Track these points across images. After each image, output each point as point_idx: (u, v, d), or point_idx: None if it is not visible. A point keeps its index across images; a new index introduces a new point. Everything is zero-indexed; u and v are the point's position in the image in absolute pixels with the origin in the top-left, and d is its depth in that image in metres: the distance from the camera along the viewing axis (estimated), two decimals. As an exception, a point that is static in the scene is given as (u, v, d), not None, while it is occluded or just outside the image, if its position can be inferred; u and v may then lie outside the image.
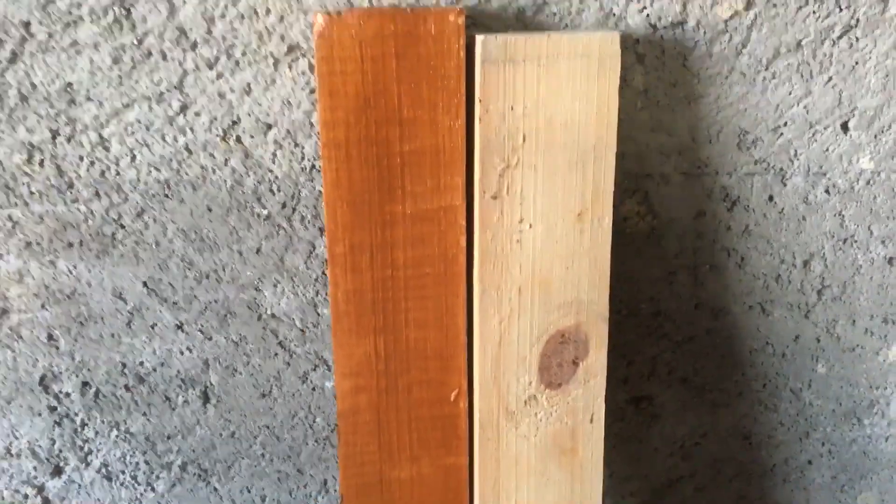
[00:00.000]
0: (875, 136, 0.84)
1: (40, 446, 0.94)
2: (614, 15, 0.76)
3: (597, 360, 0.79)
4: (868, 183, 0.86)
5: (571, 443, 0.81)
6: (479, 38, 0.69)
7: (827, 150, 0.84)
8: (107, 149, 0.79)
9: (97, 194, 0.81)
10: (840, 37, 0.79)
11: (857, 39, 0.79)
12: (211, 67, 0.76)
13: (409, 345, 0.78)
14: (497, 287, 0.75)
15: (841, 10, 0.78)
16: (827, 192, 0.86)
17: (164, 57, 0.75)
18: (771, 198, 0.86)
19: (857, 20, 0.78)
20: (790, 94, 0.81)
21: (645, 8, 0.76)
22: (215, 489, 1.00)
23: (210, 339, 0.90)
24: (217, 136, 0.79)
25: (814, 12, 0.77)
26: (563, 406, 0.80)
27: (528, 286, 0.76)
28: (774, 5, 0.77)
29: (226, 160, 0.80)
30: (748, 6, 0.77)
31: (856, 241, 0.89)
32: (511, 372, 0.78)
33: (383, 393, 0.79)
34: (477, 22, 0.75)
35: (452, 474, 0.81)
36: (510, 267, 0.75)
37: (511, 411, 0.79)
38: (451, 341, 0.78)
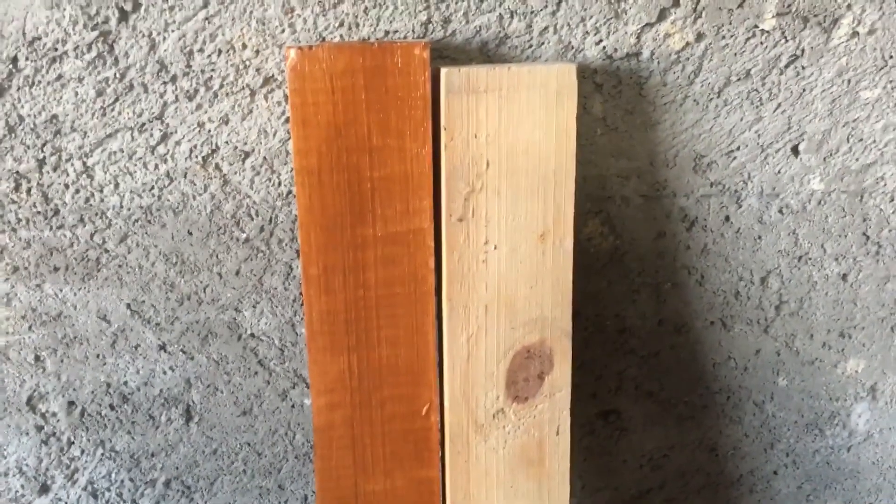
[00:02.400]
0: (824, 159, 0.88)
1: (27, 465, 0.97)
2: (572, 47, 0.80)
3: (561, 374, 0.83)
4: (819, 203, 0.90)
5: (539, 454, 0.84)
6: (443, 71, 0.74)
7: (779, 172, 0.88)
8: (91, 177, 0.82)
9: (82, 220, 0.84)
10: (787, 65, 0.84)
11: (804, 68, 0.84)
12: (190, 99, 0.80)
13: (382, 362, 0.81)
14: (464, 305, 0.79)
15: (787, 40, 0.82)
16: (780, 212, 0.90)
17: (146, 89, 0.79)
18: (727, 218, 0.90)
19: (803, 50, 0.83)
20: (742, 119, 0.85)
21: (602, 40, 0.81)
22: (198, 505, 1.02)
23: (192, 358, 0.93)
24: (197, 163, 0.83)
25: (761, 43, 0.82)
26: (530, 419, 0.83)
27: (494, 304, 0.79)
28: (724, 37, 0.81)
29: (205, 186, 0.84)
30: (699, 38, 0.81)
31: (810, 259, 0.93)
32: (479, 386, 0.81)
33: (357, 408, 0.82)
34: (443, 54, 0.80)
35: (425, 486, 0.85)
36: (476, 286, 0.79)
37: (480, 424, 0.82)
38: (421, 358, 0.81)
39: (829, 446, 1.06)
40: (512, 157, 0.76)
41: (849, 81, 0.85)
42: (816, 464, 1.07)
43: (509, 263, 0.79)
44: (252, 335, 0.92)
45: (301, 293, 0.90)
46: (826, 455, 1.06)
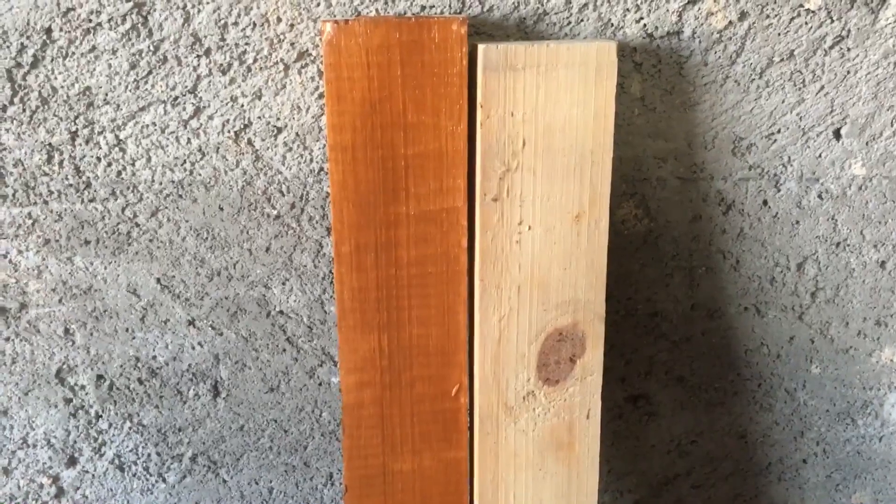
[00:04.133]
0: (867, 143, 0.86)
1: (56, 437, 0.97)
2: (612, 24, 0.79)
3: (593, 358, 0.82)
4: (860, 188, 0.88)
5: (568, 438, 0.83)
6: (480, 47, 0.72)
7: (819, 156, 0.87)
8: (123, 150, 0.82)
9: (113, 194, 0.84)
10: (832, 47, 0.81)
11: (849, 49, 0.82)
12: (224, 73, 0.79)
13: (412, 341, 0.80)
14: (497, 286, 0.78)
15: (832, 21, 0.80)
16: (820, 197, 0.89)
17: (179, 62, 0.78)
18: (765, 202, 0.89)
19: (849, 31, 0.81)
20: (783, 101, 0.84)
21: (642, 18, 0.79)
22: (224, 481, 1.03)
23: (220, 334, 0.93)
24: (229, 138, 0.82)
25: (806, 23, 0.80)
26: (561, 402, 0.82)
27: (526, 286, 0.79)
28: (767, 16, 0.79)
29: (237, 162, 0.83)
30: (742, 17, 0.80)
31: (848, 245, 0.91)
32: (510, 368, 0.81)
33: (387, 388, 0.81)
34: (479, 30, 0.78)
35: (453, 467, 0.84)
36: (510, 267, 0.78)
37: (510, 406, 0.82)
38: (452, 338, 0.80)
39: (861, 436, 1.04)
40: (548, 136, 0.75)
41: (895, 64, 0.82)
42: (847, 453, 1.05)
43: (543, 244, 0.78)
44: (281, 312, 0.92)
45: (331, 271, 0.90)
46: (857, 445, 1.05)
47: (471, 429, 0.84)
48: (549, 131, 0.75)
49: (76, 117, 0.80)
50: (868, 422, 1.03)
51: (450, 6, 0.77)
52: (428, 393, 0.82)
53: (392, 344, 0.80)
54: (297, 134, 0.82)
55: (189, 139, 0.82)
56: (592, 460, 0.84)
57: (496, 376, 0.81)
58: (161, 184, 0.84)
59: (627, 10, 0.78)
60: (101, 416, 0.97)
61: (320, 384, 0.97)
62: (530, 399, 0.82)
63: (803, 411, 1.02)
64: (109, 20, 0.76)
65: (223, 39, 0.78)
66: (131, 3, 0.75)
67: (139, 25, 0.76)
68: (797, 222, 0.90)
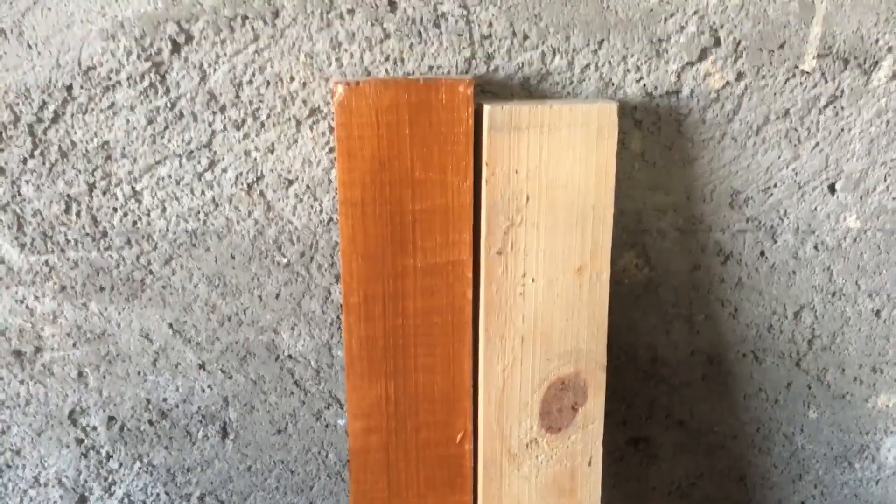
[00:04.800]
0: (861, 198, 0.89)
1: (67, 476, 0.99)
2: (613, 84, 0.82)
3: (595, 406, 0.84)
4: (855, 240, 0.91)
5: (570, 484, 0.85)
6: (486, 108, 0.75)
7: (815, 209, 0.89)
8: (139, 201, 0.85)
9: (129, 242, 0.87)
10: (826, 105, 0.84)
11: (843, 108, 0.84)
12: (238, 128, 0.82)
13: (418, 389, 0.82)
14: (501, 336, 0.80)
15: (826, 81, 0.83)
16: (816, 248, 0.91)
17: (195, 118, 0.81)
18: (762, 253, 0.91)
19: (842, 91, 0.83)
20: (779, 157, 0.86)
21: (642, 78, 0.82)
22: (231, 520, 1.04)
23: (230, 377, 0.95)
24: (242, 190, 0.85)
25: (801, 83, 0.83)
26: (563, 449, 0.84)
27: (530, 336, 0.81)
28: (763, 77, 0.82)
29: (249, 212, 0.86)
30: (739, 77, 0.82)
31: (844, 295, 0.93)
32: (514, 416, 0.83)
33: (393, 434, 0.83)
34: (485, 89, 0.81)
35: (457, 512, 0.86)
36: (513, 318, 0.80)
37: (513, 453, 0.84)
38: (457, 386, 0.83)
39: (858, 479, 1.06)
40: (551, 192, 0.77)
41: (888, 122, 0.85)
42: (844, 496, 1.07)
43: (546, 296, 0.80)
44: (289, 356, 0.94)
45: (338, 317, 0.92)
46: (854, 487, 1.06)
47: (475, 475, 0.86)
48: (552, 187, 0.77)
49: (94, 170, 0.83)
50: (865, 465, 1.05)
51: (456, 66, 0.80)
52: (433, 439, 0.84)
53: (398, 391, 0.82)
54: (307, 186, 0.85)
55: (203, 191, 0.85)
56: (594, 506, 0.86)
57: (500, 424, 0.83)
58: (175, 233, 0.86)
59: (628, 70, 0.81)
60: (111, 457, 0.99)
61: (327, 426, 0.99)
62: (533, 446, 0.84)
63: (801, 455, 1.04)
64: (128, 78, 0.79)
65: (238, 97, 0.80)
66: (150, 63, 0.78)
67: (157, 83, 0.79)
68: (794, 272, 0.92)
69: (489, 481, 0.84)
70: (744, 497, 1.06)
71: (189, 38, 0.78)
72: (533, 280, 0.79)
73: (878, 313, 0.95)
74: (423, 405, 0.83)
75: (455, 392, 0.83)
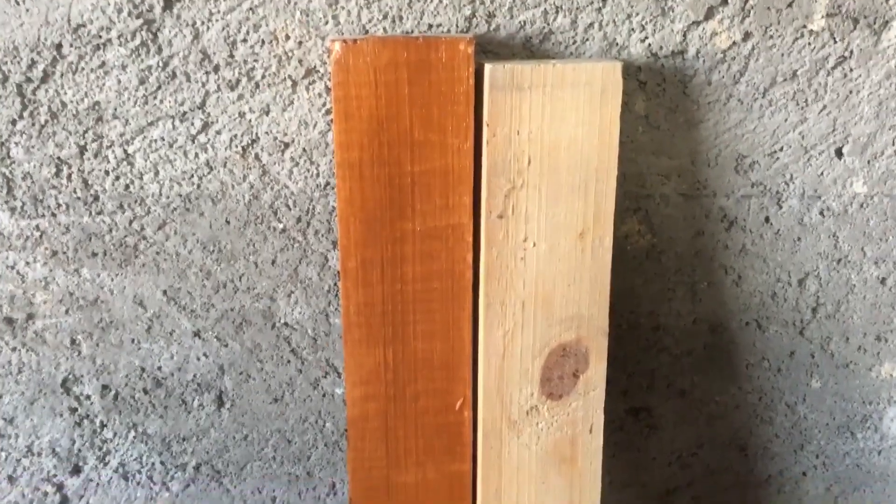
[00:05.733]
0: (868, 162, 0.87)
1: (60, 446, 0.98)
2: (617, 44, 0.80)
3: (596, 373, 0.82)
4: (861, 206, 0.89)
5: (571, 452, 0.84)
6: (487, 67, 0.73)
7: (821, 174, 0.87)
8: (131, 164, 0.83)
9: (121, 207, 0.85)
10: (834, 67, 0.82)
11: (851, 69, 0.82)
12: (232, 89, 0.80)
13: (417, 356, 0.81)
14: (502, 302, 0.79)
15: (835, 42, 0.81)
16: (821, 214, 0.89)
17: (188, 78, 0.79)
18: (767, 219, 0.89)
19: (851, 52, 0.81)
20: (786, 120, 0.84)
21: (647, 38, 0.80)
22: (228, 490, 1.03)
23: (226, 345, 0.93)
24: (237, 153, 0.83)
25: (809, 44, 0.81)
26: (564, 416, 0.83)
27: (531, 301, 0.79)
28: (771, 37, 0.80)
29: (244, 176, 0.84)
30: (746, 37, 0.80)
31: (849, 262, 0.92)
32: (514, 383, 0.81)
33: (391, 401, 0.82)
34: (486, 49, 0.79)
35: (456, 480, 0.85)
36: (514, 283, 0.79)
37: (513, 421, 0.82)
38: (457, 353, 0.81)
39: (860, 449, 1.05)
40: (554, 155, 0.75)
41: (897, 84, 0.83)
42: (846, 466, 1.06)
43: (548, 261, 0.78)
44: (286, 324, 0.93)
45: (335, 284, 0.91)
46: (856, 458, 1.06)
47: (474, 442, 0.84)
48: (555, 149, 0.75)
49: (85, 132, 0.81)
50: (867, 435, 1.04)
51: (457, 25, 0.78)
52: (432, 406, 0.83)
53: (397, 358, 0.81)
54: (303, 149, 0.83)
55: (197, 154, 0.83)
56: (595, 474, 0.85)
57: (500, 391, 0.81)
58: (168, 197, 0.85)
59: (632, 29, 0.79)
60: (105, 426, 0.97)
61: (324, 395, 0.97)
62: (534, 414, 0.83)
63: (803, 425, 1.03)
64: (119, 37, 0.77)
65: (232, 56, 0.78)
66: (141, 20, 0.76)
67: (149, 42, 0.77)
68: (799, 239, 0.91)
69: (489, 449, 0.83)
70: (745, 467, 1.06)
71: (181, -5, 0.76)
72: (534, 244, 0.78)
73: (883, 281, 0.94)
74: (422, 372, 0.82)
75: (455, 359, 0.81)
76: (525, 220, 0.77)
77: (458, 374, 0.82)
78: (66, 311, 0.90)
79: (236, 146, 0.83)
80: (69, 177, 0.83)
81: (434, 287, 0.79)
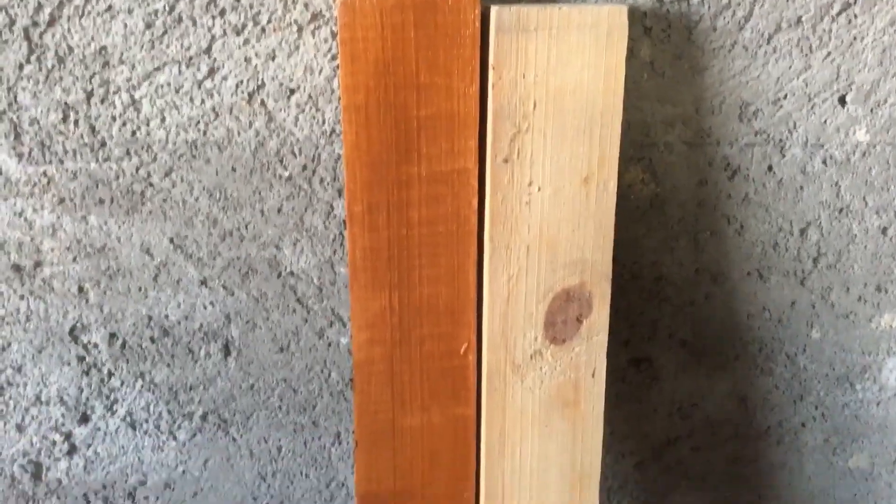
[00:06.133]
0: (871, 110, 0.87)
1: (69, 394, 0.99)
2: (623, -12, 0.80)
3: (599, 318, 0.83)
4: (864, 155, 0.90)
5: (574, 396, 0.85)
6: (493, 9, 0.73)
7: (825, 122, 0.88)
8: (138, 110, 0.83)
9: (128, 153, 0.85)
10: (839, 13, 0.82)
11: (856, 16, 0.83)
12: (238, 34, 0.80)
13: (422, 300, 0.82)
14: (506, 246, 0.80)
15: (841, -14, 0.81)
16: (824, 163, 0.90)
17: (194, 23, 0.79)
18: (770, 168, 0.90)
19: (856, -3, 0.82)
20: (790, 67, 0.85)
21: (652, -18, 0.80)
22: (234, 439, 1.04)
23: (232, 294, 0.94)
24: (242, 99, 0.83)
25: (814, -11, 0.81)
26: (567, 361, 0.84)
27: (535, 246, 0.80)
28: (777, -19, 0.80)
29: (250, 123, 0.84)
30: (751, -18, 0.81)
31: (851, 211, 0.93)
32: (518, 327, 0.82)
33: (397, 345, 0.83)
34: (492, -7, 0.79)
35: (461, 424, 0.86)
36: (519, 227, 0.79)
37: (517, 365, 0.83)
38: (461, 297, 0.82)
39: (859, 400, 1.06)
40: (559, 98, 0.76)
41: (901, 30, 0.84)
42: (845, 417, 1.07)
43: (552, 205, 0.79)
44: (291, 273, 0.93)
45: (341, 233, 0.91)
46: (855, 409, 1.07)
47: (479, 387, 0.86)
48: (560, 93, 0.76)
49: (91, 77, 0.81)
50: (866, 386, 1.05)
51: (463, -32, 0.78)
52: (437, 351, 0.84)
53: (402, 302, 0.82)
54: (309, 95, 0.83)
55: (203, 99, 0.83)
56: (597, 418, 0.86)
57: (504, 335, 0.82)
58: (175, 144, 0.85)
59: (638, -26, 0.79)
60: (113, 375, 0.98)
61: (329, 345, 0.98)
62: (537, 358, 0.84)
63: (803, 375, 1.04)
64: (126, -21, 0.77)
65: (238, 0, 0.78)
66: (148, -37, 0.76)
67: (155, -15, 0.77)
68: (801, 188, 0.91)
69: (493, 393, 0.84)
70: (744, 418, 1.07)
71: (187, -63, 0.76)
72: (539, 189, 0.78)
73: (884, 231, 0.94)
74: (428, 317, 0.83)
75: (459, 303, 0.82)
76: (530, 165, 0.77)
77: (462, 319, 0.83)
78: (74, 259, 0.91)
79: (242, 92, 0.83)
80: (76, 122, 0.83)
81: (439, 232, 0.80)
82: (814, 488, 1.13)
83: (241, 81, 0.82)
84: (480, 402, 0.85)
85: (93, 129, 0.84)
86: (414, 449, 0.86)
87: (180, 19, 0.79)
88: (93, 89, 0.82)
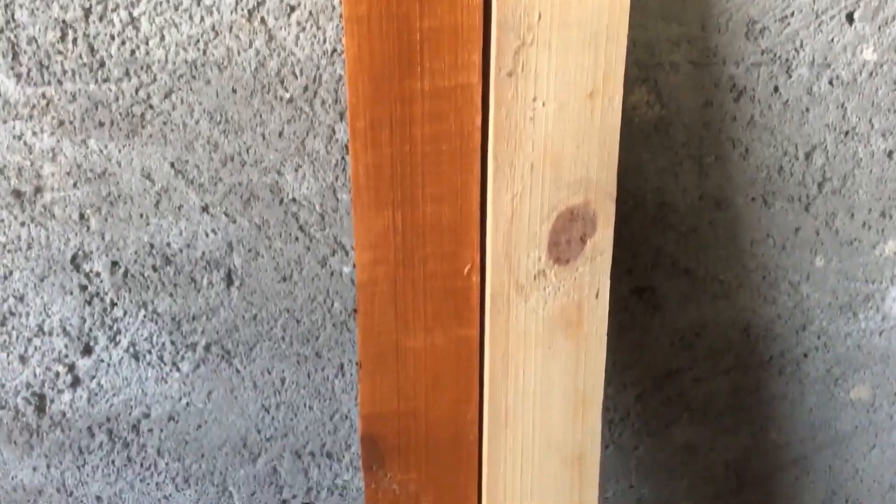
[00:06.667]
0: (879, 28, 0.86)
1: (71, 325, 0.99)
2: None
3: (603, 238, 0.83)
4: (871, 75, 0.89)
5: (577, 316, 0.85)
6: (497, -84, 0.72)
7: (832, 40, 0.87)
8: (137, 28, 0.82)
9: (127, 74, 0.84)
10: (848, -75, 0.81)
11: (865, -72, 0.82)
12: (238, -53, 0.79)
13: (426, 219, 0.81)
14: (510, 163, 0.79)
15: None
16: (831, 83, 0.89)
17: (193, -65, 0.78)
18: (776, 88, 0.89)
19: None
20: (798, -18, 0.84)
21: None
22: (237, 371, 1.05)
23: (234, 221, 0.94)
24: (242, 17, 0.82)
25: None
26: (571, 281, 0.84)
27: (540, 163, 0.79)
28: None
29: (250, 42, 0.83)
30: None
31: (857, 134, 0.92)
32: (522, 247, 0.82)
33: (400, 265, 0.83)
34: None
35: (464, 345, 0.86)
36: (523, 144, 0.79)
37: (521, 285, 0.83)
38: (465, 216, 0.82)
39: (861, 330, 1.06)
40: (564, 9, 0.75)
41: (911, -56, 0.82)
42: (847, 347, 1.08)
43: (557, 121, 0.78)
44: (293, 199, 0.93)
45: (343, 157, 0.91)
46: (857, 339, 1.07)
47: (482, 309, 0.85)
48: (565, 4, 0.74)
49: (89, -7, 0.80)
50: (869, 315, 1.05)
51: None
52: (440, 271, 0.83)
53: (406, 222, 0.81)
54: (310, 13, 0.82)
55: (202, 17, 0.82)
56: (600, 339, 0.86)
57: (508, 255, 0.82)
58: (174, 64, 0.84)
59: None
60: (115, 304, 0.98)
61: (332, 274, 0.98)
62: (541, 278, 0.83)
63: (806, 304, 1.04)
64: None
65: (237, -89, 0.77)
66: None
67: None
68: (807, 109, 0.90)
69: (496, 314, 0.84)
70: (746, 348, 1.07)
71: None
72: (544, 104, 0.78)
73: (890, 154, 0.94)
74: (431, 236, 0.82)
75: (463, 223, 0.82)
76: (535, 78, 0.77)
77: (466, 239, 0.82)
78: (74, 185, 0.90)
79: (242, 9, 0.82)
80: (74, 41, 0.82)
81: (443, 149, 0.79)
82: (815, 419, 1.13)
83: (241, -2, 0.81)
84: (483, 324, 0.85)
85: (91, 48, 0.83)
86: (417, 371, 0.86)
87: (179, -68, 0.78)
88: (91, 6, 0.80)
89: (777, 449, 1.17)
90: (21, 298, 0.97)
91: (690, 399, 1.11)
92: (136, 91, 0.85)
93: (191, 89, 0.86)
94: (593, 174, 0.81)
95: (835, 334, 1.06)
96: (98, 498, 1.14)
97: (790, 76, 0.88)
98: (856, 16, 0.86)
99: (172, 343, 1.02)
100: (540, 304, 0.84)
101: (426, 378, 0.87)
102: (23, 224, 0.92)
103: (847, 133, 0.92)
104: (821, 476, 1.20)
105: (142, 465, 1.11)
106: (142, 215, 0.93)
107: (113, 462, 1.11)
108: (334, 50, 0.84)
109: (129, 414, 1.07)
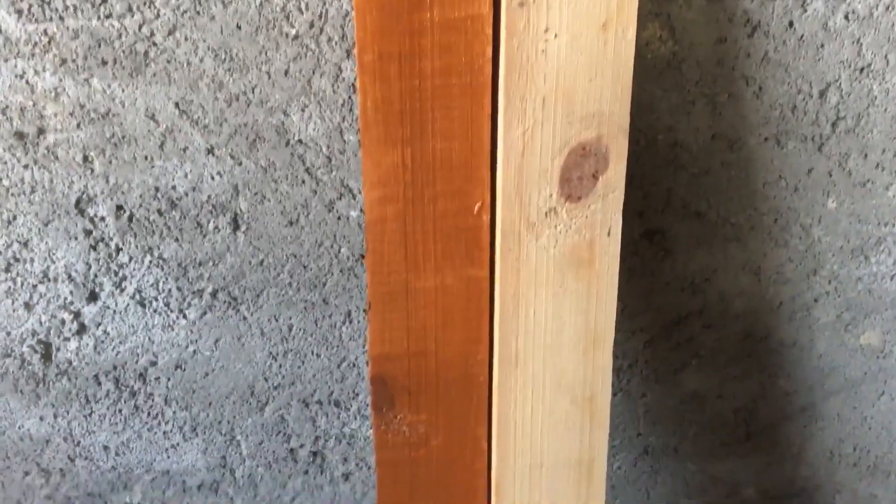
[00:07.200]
0: (897, -41, 0.85)
1: (76, 271, 0.98)
2: None
3: (616, 174, 0.82)
4: (887, 9, 0.87)
5: (589, 255, 0.84)
6: None
7: (849, -28, 0.85)
8: (139, -39, 0.80)
9: (130, 10, 0.82)
10: None
11: None
12: None
13: (436, 155, 0.80)
14: (521, 97, 0.78)
15: None
16: (846, 18, 0.87)
17: None
18: (791, 23, 0.87)
19: None
20: (815, -89, 0.82)
21: None
22: (244, 318, 1.04)
23: (240, 164, 0.93)
24: (247, -51, 0.80)
25: None
26: (582, 219, 0.83)
27: (551, 97, 0.78)
28: None
29: (256, -24, 0.82)
30: None
31: (872, 71, 0.90)
32: (533, 184, 0.81)
33: (409, 203, 0.82)
34: None
35: (474, 285, 0.85)
36: (535, 77, 0.77)
37: (532, 223, 0.82)
38: (475, 153, 0.80)
39: (873, 274, 1.05)
40: (577, -64, 0.73)
41: None
42: (858, 292, 1.07)
43: (569, 53, 0.77)
44: (300, 141, 0.91)
45: (350, 97, 0.89)
46: (868, 283, 1.06)
47: (492, 248, 0.84)
48: (578, -70, 0.73)
49: (90, -76, 0.78)
50: (881, 259, 1.04)
51: None
52: (451, 209, 0.82)
53: (415, 158, 0.80)
54: (316, -55, 0.81)
55: (206, -50, 0.80)
56: (612, 278, 0.86)
57: (519, 192, 0.81)
58: (178, -1, 0.82)
59: None
60: (121, 250, 0.97)
61: (339, 218, 0.97)
62: (552, 215, 0.82)
63: (817, 248, 1.03)
64: None
65: None
66: None
67: None
68: (822, 45, 0.89)
69: (507, 252, 0.83)
70: (757, 293, 1.06)
71: None
72: (556, 35, 0.76)
73: (905, 92, 0.92)
74: (441, 173, 0.81)
75: (473, 159, 0.81)
76: (546, 9, 0.75)
77: (476, 175, 0.81)
78: (78, 125, 0.89)
79: (247, -59, 0.80)
80: (76, -25, 0.80)
81: (452, 83, 0.78)
82: (824, 366, 1.13)
83: (246, -70, 0.79)
84: (494, 264, 0.84)
85: (93, -18, 0.81)
86: (427, 311, 0.86)
87: None
88: (92, -62, 0.79)
89: (786, 396, 1.16)
90: (25, 244, 0.96)
91: (699, 346, 1.10)
92: (140, 27, 0.83)
93: (195, 25, 0.84)
94: (606, 108, 0.79)
95: (846, 279, 1.05)
96: (105, 447, 1.14)
97: (805, 10, 0.87)
98: (874, -54, 0.84)
99: (179, 289, 1.01)
100: (551, 243, 0.83)
101: (436, 318, 0.86)
102: (26, 167, 0.90)
103: (862, 70, 0.90)
104: (829, 423, 1.20)
105: (149, 413, 1.11)
106: (146, 157, 0.91)
107: (120, 411, 1.10)
108: (341, -16, 0.82)
109: (136, 362, 1.06)
